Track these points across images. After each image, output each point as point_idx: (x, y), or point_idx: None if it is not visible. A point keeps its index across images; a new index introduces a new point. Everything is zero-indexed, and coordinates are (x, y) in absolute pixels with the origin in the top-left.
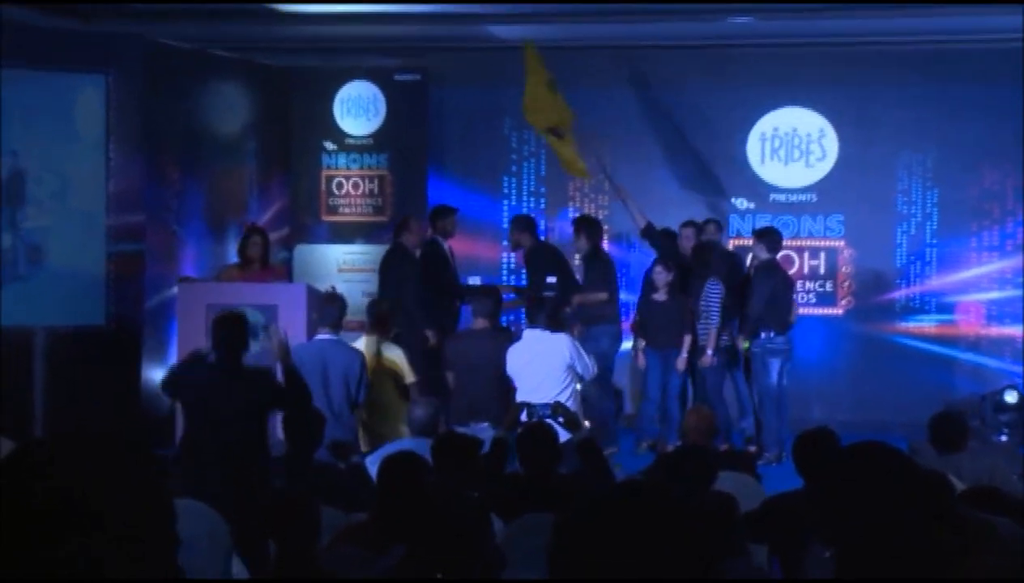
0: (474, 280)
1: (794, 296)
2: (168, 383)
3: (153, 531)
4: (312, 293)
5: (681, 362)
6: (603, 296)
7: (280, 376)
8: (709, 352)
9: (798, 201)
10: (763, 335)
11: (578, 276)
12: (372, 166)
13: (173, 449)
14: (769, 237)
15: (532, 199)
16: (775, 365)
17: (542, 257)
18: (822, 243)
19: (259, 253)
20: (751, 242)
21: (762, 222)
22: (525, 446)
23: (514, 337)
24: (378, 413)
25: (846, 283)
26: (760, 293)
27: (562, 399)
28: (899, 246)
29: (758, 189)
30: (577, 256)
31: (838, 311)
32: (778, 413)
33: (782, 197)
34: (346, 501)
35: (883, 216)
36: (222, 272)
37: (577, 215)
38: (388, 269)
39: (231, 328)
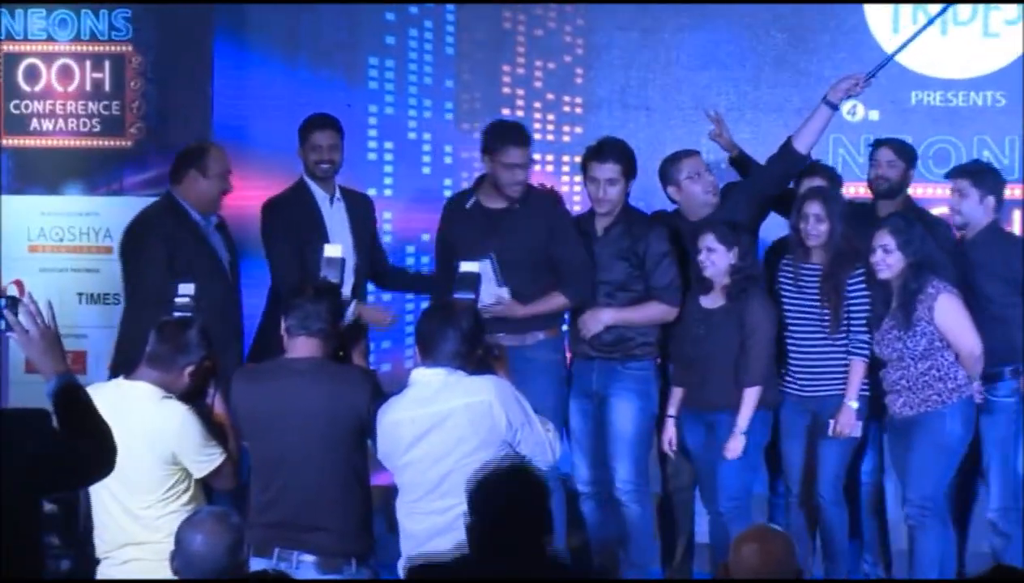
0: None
1: None
2: None
3: None
4: None
5: (735, 444)
6: (673, 311)
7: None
8: (851, 404)
9: (966, 106)
10: (1008, 370)
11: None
12: (100, 37)
13: None
14: (990, 178)
15: (431, 101)
16: None
17: (561, 216)
18: (1016, 191)
19: None
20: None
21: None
22: None
23: (375, 380)
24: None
25: None
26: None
27: None
28: None
29: (890, 84)
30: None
31: None
32: None
33: (934, 97)
34: None
35: None
36: None
37: (680, 152)
38: (137, 248)
39: None
